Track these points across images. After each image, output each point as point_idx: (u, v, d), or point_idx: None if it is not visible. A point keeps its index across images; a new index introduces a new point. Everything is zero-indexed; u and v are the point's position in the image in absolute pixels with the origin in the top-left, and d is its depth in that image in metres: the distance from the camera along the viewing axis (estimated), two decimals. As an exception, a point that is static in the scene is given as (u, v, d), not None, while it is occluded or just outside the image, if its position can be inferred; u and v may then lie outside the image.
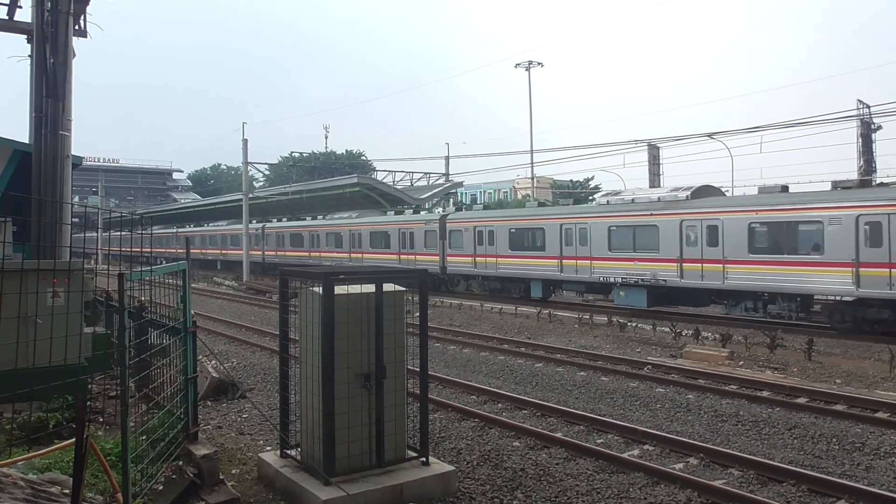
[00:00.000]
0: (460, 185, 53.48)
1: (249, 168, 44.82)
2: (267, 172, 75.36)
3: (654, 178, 38.47)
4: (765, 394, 11.36)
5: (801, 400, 10.89)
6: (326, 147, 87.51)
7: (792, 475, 7.40)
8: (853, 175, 30.90)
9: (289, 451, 7.08)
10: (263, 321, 21.88)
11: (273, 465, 6.93)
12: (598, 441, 8.97)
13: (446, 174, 49.17)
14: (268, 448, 8.18)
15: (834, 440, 8.91)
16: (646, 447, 8.66)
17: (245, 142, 41.63)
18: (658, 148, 39.01)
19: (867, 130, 31.88)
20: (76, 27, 10.78)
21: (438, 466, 6.99)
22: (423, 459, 6.92)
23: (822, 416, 9.98)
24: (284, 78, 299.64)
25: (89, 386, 7.42)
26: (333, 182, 43.76)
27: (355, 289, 6.56)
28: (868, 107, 31.49)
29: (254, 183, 66.94)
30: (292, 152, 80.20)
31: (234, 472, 7.41)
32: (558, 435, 9.05)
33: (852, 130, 31.99)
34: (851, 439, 8.92)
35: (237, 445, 8.51)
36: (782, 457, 8.27)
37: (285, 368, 7.32)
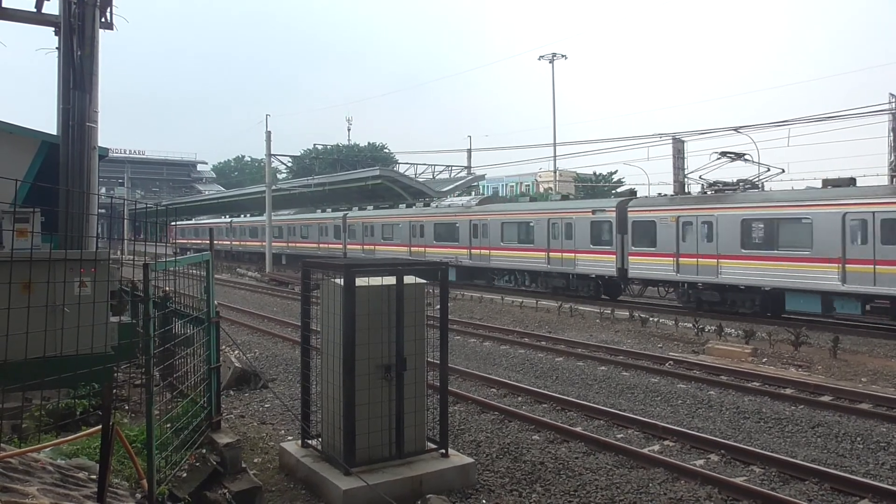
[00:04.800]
0: (482, 177, 53.40)
1: (272, 160, 45.14)
2: (290, 164, 75.91)
3: (678, 173, 37.94)
4: (788, 391, 11.19)
5: (826, 398, 10.72)
6: (349, 140, 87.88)
7: (814, 473, 7.31)
8: (884, 170, 30.17)
9: (310, 441, 7.16)
10: (285, 312, 22.09)
11: (294, 455, 7.02)
12: (619, 436, 8.93)
13: (468, 167, 49.09)
14: (289, 438, 8.28)
15: (858, 439, 8.76)
16: (666, 443, 8.60)
17: (268, 134, 41.93)
18: (683, 142, 38.37)
19: (899, 125, 31.04)
20: (102, 20, 10.92)
21: (458, 458, 7.01)
22: (443, 451, 6.95)
23: (847, 415, 9.82)
24: (308, 73, 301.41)
25: (115, 374, 7.55)
26: (356, 174, 43.94)
27: (376, 281, 6.59)
28: (901, 101, 30.65)
29: (277, 175, 67.56)
30: (315, 144, 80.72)
31: (256, 460, 7.52)
32: (578, 429, 9.03)
33: (884, 125, 31.17)
34: (876, 438, 8.77)
35: (259, 435, 8.62)
36: (805, 455, 8.16)
37: (307, 359, 7.40)
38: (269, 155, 43.36)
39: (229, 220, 58.54)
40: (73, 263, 7.27)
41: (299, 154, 68.33)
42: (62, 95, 10.46)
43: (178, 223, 67.12)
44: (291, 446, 7.31)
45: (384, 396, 6.56)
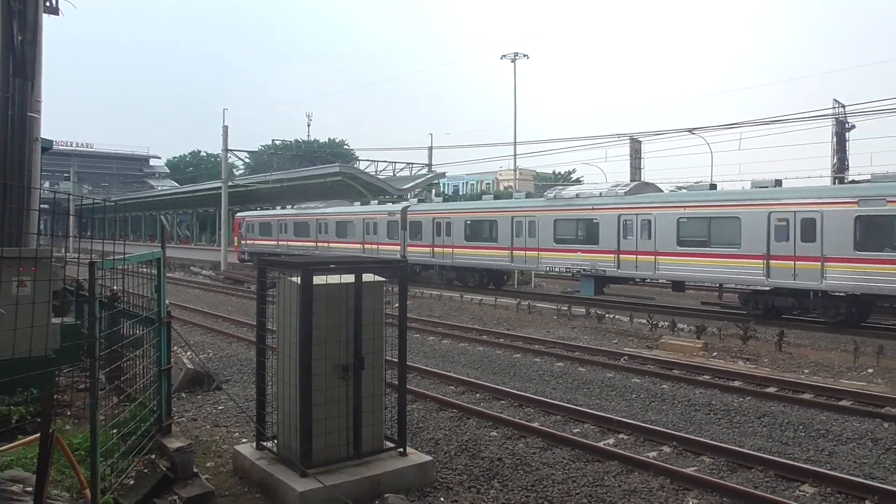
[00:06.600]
0: (443, 175, 53.40)
1: (229, 155, 44.14)
2: (247, 160, 74.49)
3: (636, 172, 38.69)
4: (736, 383, 11.55)
5: (771, 389, 11.11)
6: (309, 135, 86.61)
7: (760, 462, 7.59)
8: (828, 172, 31.43)
9: (265, 443, 7.01)
10: (241, 311, 21.66)
11: (249, 458, 6.86)
12: (575, 430, 9.04)
13: (429, 164, 49.00)
14: (244, 440, 8.09)
15: (801, 427, 9.13)
16: (621, 436, 8.76)
17: (225, 128, 41.05)
18: (640, 142, 39.16)
19: (841, 129, 32.30)
20: (47, 3, 10.46)
21: (416, 457, 6.98)
22: (401, 450, 6.90)
23: (791, 405, 10.21)
24: (269, 69, 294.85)
25: (57, 378, 7.25)
26: (315, 171, 43.40)
27: (334, 279, 6.49)
28: (843, 106, 31.93)
29: (234, 171, 66.11)
30: (274, 140, 79.33)
31: (208, 464, 7.32)
32: (535, 425, 9.10)
33: (828, 129, 32.46)
34: (817, 426, 9.15)
35: (212, 438, 8.41)
36: (752, 444, 8.44)
37: (262, 359, 7.23)
38: (227, 150, 42.41)
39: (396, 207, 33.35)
40: (10, 262, 6.93)
41: (257, 150, 67.05)
42: (1, 83, 9.97)
43: (247, 215, 45.07)
44: (246, 449, 7.15)
45: (341, 396, 6.47)
